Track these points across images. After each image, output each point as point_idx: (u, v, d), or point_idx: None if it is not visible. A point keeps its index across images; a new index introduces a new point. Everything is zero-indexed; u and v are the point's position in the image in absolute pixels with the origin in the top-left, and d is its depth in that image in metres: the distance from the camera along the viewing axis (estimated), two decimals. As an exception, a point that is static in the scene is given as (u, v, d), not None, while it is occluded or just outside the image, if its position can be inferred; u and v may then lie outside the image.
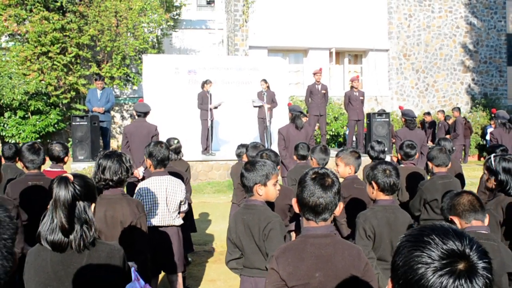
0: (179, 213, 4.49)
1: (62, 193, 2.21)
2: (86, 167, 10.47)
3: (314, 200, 2.32)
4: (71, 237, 2.22)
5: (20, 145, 4.88)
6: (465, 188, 5.67)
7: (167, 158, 4.48)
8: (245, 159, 5.51)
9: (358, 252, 2.39)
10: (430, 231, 1.24)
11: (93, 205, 2.36)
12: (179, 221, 4.45)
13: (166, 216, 4.33)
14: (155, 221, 4.31)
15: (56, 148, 4.83)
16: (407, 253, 1.22)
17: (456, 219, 2.73)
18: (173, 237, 4.41)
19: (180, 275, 4.57)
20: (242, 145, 6.41)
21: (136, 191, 4.37)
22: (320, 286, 2.28)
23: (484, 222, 2.75)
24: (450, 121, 15.60)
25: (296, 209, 2.44)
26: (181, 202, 4.40)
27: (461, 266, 1.16)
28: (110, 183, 3.36)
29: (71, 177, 2.29)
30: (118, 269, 2.35)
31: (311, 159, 5.26)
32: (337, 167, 4.54)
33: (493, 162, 3.82)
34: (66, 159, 4.93)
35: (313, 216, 2.35)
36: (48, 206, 2.27)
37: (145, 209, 4.25)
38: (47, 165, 5.30)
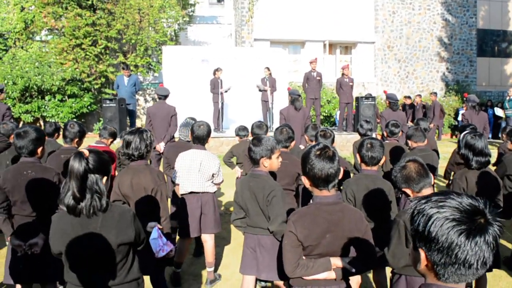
0: (214, 183, 4.42)
1: (76, 165, 2.18)
2: (115, 143, 10.47)
3: (326, 171, 2.31)
4: (82, 204, 2.18)
5: (59, 124, 4.81)
6: (440, 161, 5.66)
7: (202, 136, 4.35)
8: (250, 137, 5.50)
9: (361, 216, 2.42)
10: (449, 195, 1.23)
11: (104, 178, 2.32)
12: (212, 189, 4.39)
13: (200, 184, 4.29)
14: (190, 188, 4.28)
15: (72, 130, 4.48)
16: (441, 222, 1.18)
17: (408, 191, 2.67)
18: (208, 202, 4.36)
19: (213, 235, 4.47)
20: (245, 128, 6.26)
21: (178, 157, 4.37)
22: (329, 245, 2.33)
23: (431, 184, 2.69)
24: (430, 102, 15.44)
25: (307, 184, 2.40)
26: (213, 174, 4.32)
27: (483, 221, 1.17)
28: (133, 157, 3.35)
29: (86, 153, 2.26)
30: (130, 225, 2.31)
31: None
32: None
33: (461, 137, 3.78)
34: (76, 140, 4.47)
35: (326, 186, 2.34)
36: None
37: (179, 174, 4.26)
38: (93, 141, 5.28)
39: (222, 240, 5.76)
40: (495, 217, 1.18)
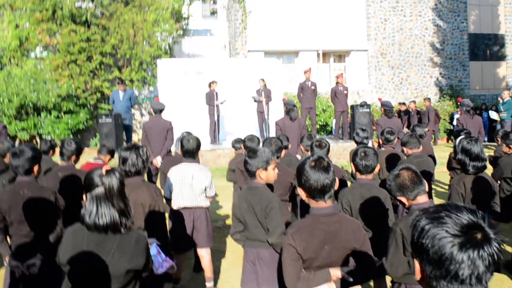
0: (207, 197, 4.38)
1: (113, 181, 2.20)
2: (112, 159, 10.44)
3: (321, 182, 2.30)
4: (123, 219, 2.20)
5: (56, 140, 4.80)
6: (436, 167, 5.66)
7: (192, 150, 4.35)
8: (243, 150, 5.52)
9: (358, 226, 2.41)
10: (447, 208, 1.20)
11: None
12: (205, 203, 4.35)
13: (192, 198, 4.25)
14: (183, 203, 4.25)
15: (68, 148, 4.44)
16: (433, 234, 1.17)
17: (403, 199, 2.66)
18: (200, 217, 4.32)
19: (208, 250, 4.44)
20: (240, 140, 6.24)
21: (168, 173, 4.36)
22: (328, 256, 2.32)
23: (425, 191, 2.67)
24: (425, 108, 15.52)
25: (303, 196, 2.38)
26: (206, 187, 4.28)
27: (479, 236, 1.13)
28: (129, 173, 3.34)
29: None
30: (143, 253, 2.30)
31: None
32: None
33: (457, 142, 3.80)
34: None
35: (322, 197, 2.33)
36: (90, 195, 2.21)
37: (172, 189, 4.24)
38: (90, 157, 5.25)
39: (221, 254, 5.72)
40: (496, 234, 1.15)
